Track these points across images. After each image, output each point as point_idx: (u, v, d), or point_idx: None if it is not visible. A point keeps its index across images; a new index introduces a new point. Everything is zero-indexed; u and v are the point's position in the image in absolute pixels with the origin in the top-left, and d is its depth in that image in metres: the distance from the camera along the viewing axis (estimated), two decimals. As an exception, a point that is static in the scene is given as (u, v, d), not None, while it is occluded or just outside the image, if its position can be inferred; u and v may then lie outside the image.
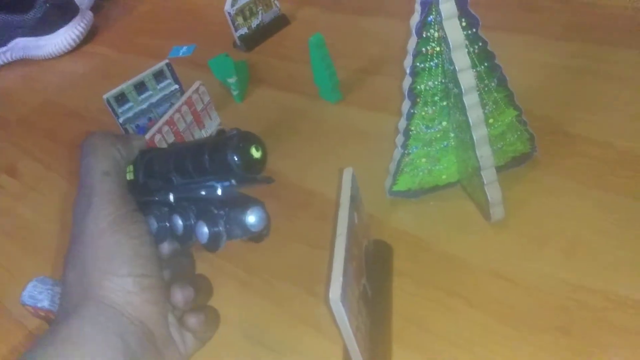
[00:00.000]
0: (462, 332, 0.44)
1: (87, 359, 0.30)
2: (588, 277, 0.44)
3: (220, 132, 0.35)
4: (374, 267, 0.49)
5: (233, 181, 0.32)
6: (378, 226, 0.53)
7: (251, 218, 0.32)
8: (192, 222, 0.34)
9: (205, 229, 0.33)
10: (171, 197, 0.37)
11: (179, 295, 0.35)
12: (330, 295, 0.35)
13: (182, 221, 0.35)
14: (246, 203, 0.33)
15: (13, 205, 0.74)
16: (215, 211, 0.33)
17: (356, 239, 0.43)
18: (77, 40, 1.06)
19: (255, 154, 0.32)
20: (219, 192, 0.34)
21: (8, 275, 0.64)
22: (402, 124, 0.49)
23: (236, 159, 0.31)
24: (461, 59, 0.42)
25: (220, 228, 0.33)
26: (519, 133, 0.51)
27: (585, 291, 0.43)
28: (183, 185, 0.35)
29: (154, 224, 0.36)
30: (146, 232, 0.34)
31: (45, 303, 0.52)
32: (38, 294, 0.52)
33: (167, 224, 0.36)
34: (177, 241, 0.37)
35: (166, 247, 0.38)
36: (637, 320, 0.41)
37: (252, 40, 0.88)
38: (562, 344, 0.41)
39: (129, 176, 0.38)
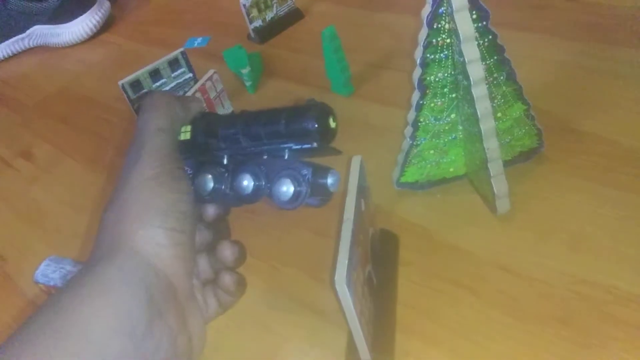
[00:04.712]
0: (465, 321, 0.44)
1: (110, 304, 0.31)
2: (591, 271, 0.45)
3: (298, 102, 0.36)
4: (380, 256, 0.50)
5: (315, 144, 0.34)
6: (385, 216, 0.54)
7: (331, 180, 0.35)
8: (263, 182, 0.36)
9: (291, 188, 0.35)
10: (225, 160, 0.38)
11: (228, 251, 0.37)
12: (336, 278, 0.35)
13: (254, 181, 0.36)
14: (321, 167, 0.36)
15: (27, 188, 0.75)
16: (304, 171, 0.35)
17: (363, 226, 0.44)
18: (94, 29, 1.07)
19: (332, 124, 0.35)
20: (286, 156, 0.36)
21: (21, 256, 0.65)
22: (411, 115, 0.49)
23: (316, 126, 0.33)
24: (471, 51, 0.43)
25: (304, 188, 0.35)
26: (526, 128, 0.52)
27: (587, 285, 0.44)
28: (251, 147, 0.37)
29: (210, 184, 0.37)
30: (186, 190, 0.36)
31: (57, 281, 0.53)
32: (51, 273, 0.53)
33: (222, 186, 0.37)
34: (234, 201, 0.38)
35: (211, 212, 0.39)
36: (638, 314, 0.41)
37: (266, 33, 0.88)
38: (563, 335, 0.42)
39: (184, 136, 0.39)
